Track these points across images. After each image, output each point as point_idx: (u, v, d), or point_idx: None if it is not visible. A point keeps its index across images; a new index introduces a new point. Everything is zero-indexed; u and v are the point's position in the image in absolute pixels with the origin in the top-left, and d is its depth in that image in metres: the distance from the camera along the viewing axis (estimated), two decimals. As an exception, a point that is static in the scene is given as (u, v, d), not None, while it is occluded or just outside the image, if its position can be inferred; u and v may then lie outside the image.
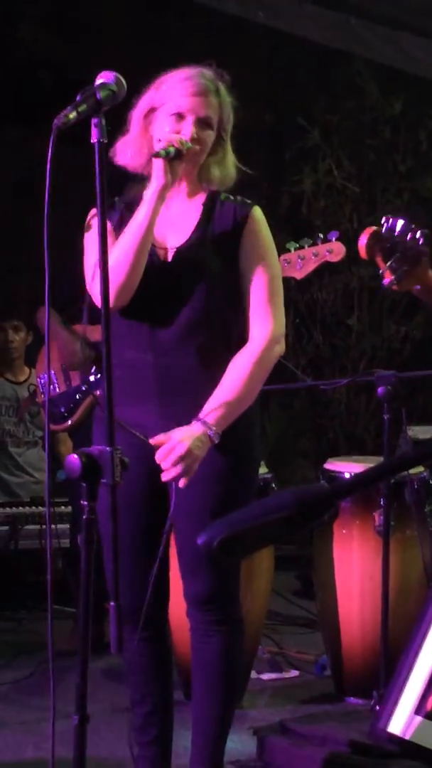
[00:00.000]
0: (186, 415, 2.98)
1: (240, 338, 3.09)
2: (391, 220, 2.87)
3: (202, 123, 3.04)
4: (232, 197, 3.16)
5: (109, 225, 2.96)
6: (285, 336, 3.17)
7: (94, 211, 3.02)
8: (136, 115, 3.08)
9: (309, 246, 4.29)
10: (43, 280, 2.36)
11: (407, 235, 2.85)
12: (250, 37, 6.89)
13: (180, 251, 3.07)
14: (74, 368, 4.54)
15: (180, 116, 3.03)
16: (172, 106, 3.03)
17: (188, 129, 3.02)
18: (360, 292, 7.65)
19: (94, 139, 2.37)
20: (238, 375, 3.01)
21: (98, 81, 2.46)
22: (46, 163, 2.34)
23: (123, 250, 2.98)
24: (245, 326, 3.09)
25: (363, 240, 2.88)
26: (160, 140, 3.02)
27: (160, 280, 3.04)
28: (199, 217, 3.11)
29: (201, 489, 3.00)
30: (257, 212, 3.14)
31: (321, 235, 4.32)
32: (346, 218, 7.50)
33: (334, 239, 4.28)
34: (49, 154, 2.32)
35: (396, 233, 2.86)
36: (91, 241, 3.05)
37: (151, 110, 3.07)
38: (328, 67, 7.36)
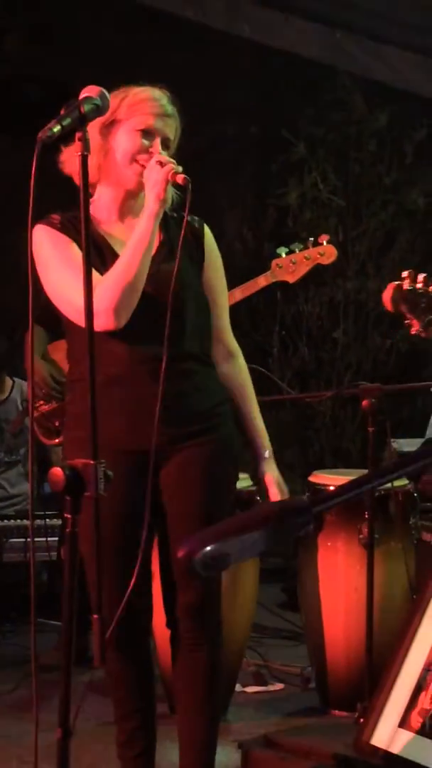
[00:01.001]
0: (183, 425, 3.05)
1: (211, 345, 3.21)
2: (413, 273, 3.07)
3: (165, 144, 3.08)
4: (175, 213, 3.17)
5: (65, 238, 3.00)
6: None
7: (41, 229, 3.02)
8: (93, 124, 3.07)
9: (300, 250, 4.33)
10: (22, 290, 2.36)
11: (429, 286, 3.05)
12: (235, 51, 6.90)
13: (154, 267, 3.05)
14: (38, 397, 4.53)
15: (147, 134, 3.05)
16: (138, 122, 3.05)
17: (157, 148, 3.05)
18: (346, 305, 7.67)
19: (77, 153, 2.38)
20: (251, 392, 3.30)
21: (83, 95, 2.47)
22: (31, 176, 2.34)
23: (132, 273, 2.97)
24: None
25: (387, 294, 3.07)
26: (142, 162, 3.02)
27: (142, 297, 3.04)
28: (161, 234, 3.11)
29: (195, 500, 3.03)
30: (207, 228, 3.25)
31: (311, 239, 4.35)
32: (332, 231, 7.49)
33: (324, 242, 4.32)
34: (33, 167, 2.33)
35: (418, 285, 3.06)
36: (63, 259, 3.02)
37: (114, 122, 3.07)
38: (314, 81, 7.38)
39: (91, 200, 3.13)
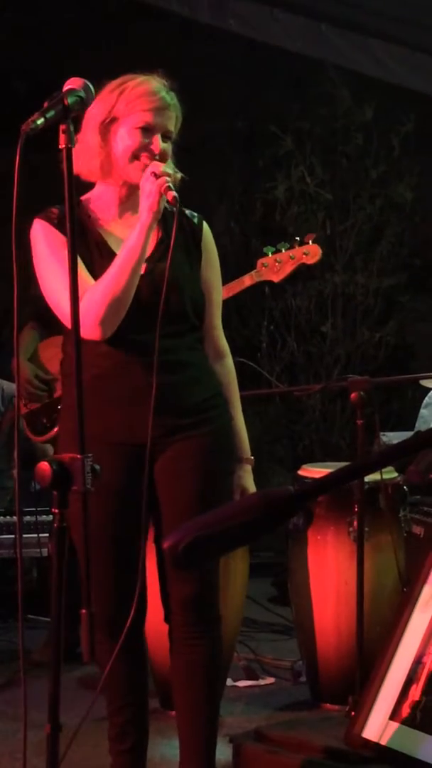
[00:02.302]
0: (176, 419, 3.05)
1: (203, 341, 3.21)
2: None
3: (166, 137, 3.07)
4: (175, 209, 3.15)
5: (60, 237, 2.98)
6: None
7: (38, 224, 3.02)
8: (92, 122, 3.05)
9: (286, 249, 4.34)
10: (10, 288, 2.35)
11: None
12: (221, 45, 6.89)
13: (150, 264, 3.05)
14: (22, 397, 4.59)
15: (146, 130, 3.03)
16: (137, 120, 3.04)
17: (157, 143, 3.04)
18: (334, 299, 7.66)
19: (62, 145, 2.36)
20: (235, 394, 3.28)
21: (66, 87, 2.46)
22: (21, 173, 2.33)
23: (125, 278, 2.96)
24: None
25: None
26: (150, 171, 2.99)
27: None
28: (159, 232, 3.11)
29: (190, 492, 3.03)
30: (206, 224, 3.24)
31: (297, 238, 4.35)
32: (319, 225, 7.51)
33: (310, 242, 4.32)
34: (17, 160, 2.31)
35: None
36: (55, 260, 3.00)
37: (113, 120, 3.05)
38: (300, 75, 7.37)
39: (90, 197, 3.13)
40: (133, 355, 3.02)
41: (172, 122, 3.09)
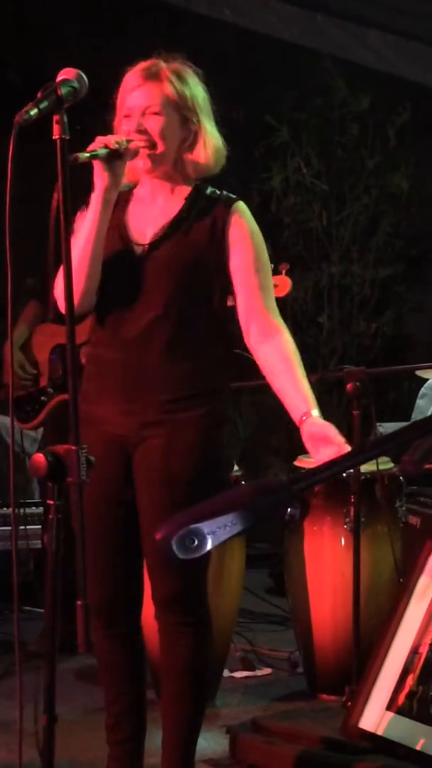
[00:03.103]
0: (148, 412, 3.00)
1: (211, 334, 3.10)
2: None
3: (146, 113, 3.02)
4: (218, 192, 3.14)
5: None
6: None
7: (78, 214, 3.04)
8: (115, 124, 3.09)
9: None
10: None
11: None
12: (216, 36, 6.88)
13: (151, 246, 3.06)
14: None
15: (129, 117, 3.04)
16: (121, 110, 3.06)
17: (132, 124, 3.02)
18: (330, 290, 7.65)
19: (55, 136, 2.36)
20: (293, 364, 3.08)
21: (60, 78, 2.46)
22: (19, 165, 2.33)
23: (75, 258, 2.97)
24: (219, 322, 3.11)
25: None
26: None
27: (132, 277, 3.04)
28: (177, 213, 3.09)
29: (168, 490, 3.00)
30: (241, 206, 3.13)
31: (272, 265, 4.28)
32: (316, 215, 7.50)
33: (283, 272, 4.24)
34: (11, 151, 2.31)
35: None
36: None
37: (115, 117, 3.09)
38: (296, 65, 7.35)
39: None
40: (118, 348, 3.06)
41: (153, 95, 3.02)
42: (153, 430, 3.02)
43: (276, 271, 4.21)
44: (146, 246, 3.06)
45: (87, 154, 2.88)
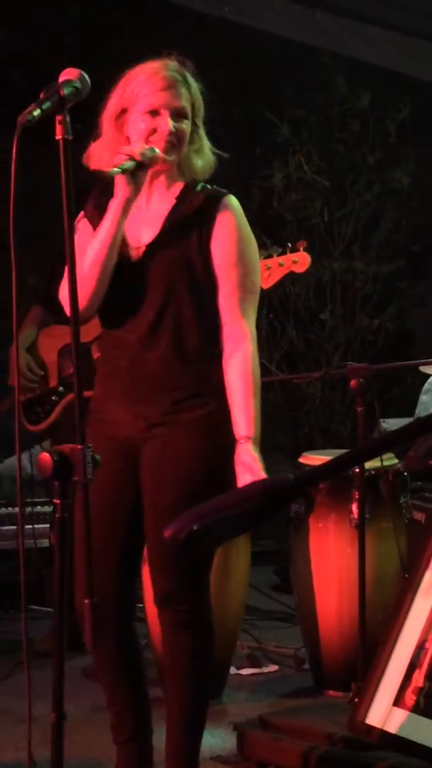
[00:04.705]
0: (153, 413, 3.02)
1: (212, 332, 3.09)
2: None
3: (177, 115, 3.03)
4: (208, 186, 3.14)
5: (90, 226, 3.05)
6: (259, 331, 3.18)
7: (81, 213, 3.05)
8: (107, 117, 3.07)
9: (277, 255, 4.28)
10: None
11: None
12: (216, 33, 6.87)
13: (149, 248, 3.07)
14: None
15: (154, 113, 3.02)
16: (144, 105, 3.02)
17: (165, 124, 3.01)
18: (333, 286, 7.65)
19: (58, 136, 2.36)
20: (245, 382, 3.02)
21: (62, 78, 2.45)
22: (22, 166, 2.34)
23: (88, 263, 2.98)
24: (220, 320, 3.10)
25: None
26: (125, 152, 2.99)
27: (131, 280, 3.05)
28: (169, 211, 3.10)
29: (173, 488, 3.01)
30: (230, 200, 3.11)
31: (289, 244, 4.31)
32: (317, 212, 7.49)
33: (301, 249, 4.26)
34: (14, 151, 2.31)
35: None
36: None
37: (123, 111, 3.06)
38: (296, 61, 7.35)
39: None
40: (119, 350, 3.10)
41: (184, 99, 3.04)
42: (157, 431, 3.04)
43: (294, 249, 4.23)
44: (142, 249, 3.07)
45: (116, 170, 2.90)
